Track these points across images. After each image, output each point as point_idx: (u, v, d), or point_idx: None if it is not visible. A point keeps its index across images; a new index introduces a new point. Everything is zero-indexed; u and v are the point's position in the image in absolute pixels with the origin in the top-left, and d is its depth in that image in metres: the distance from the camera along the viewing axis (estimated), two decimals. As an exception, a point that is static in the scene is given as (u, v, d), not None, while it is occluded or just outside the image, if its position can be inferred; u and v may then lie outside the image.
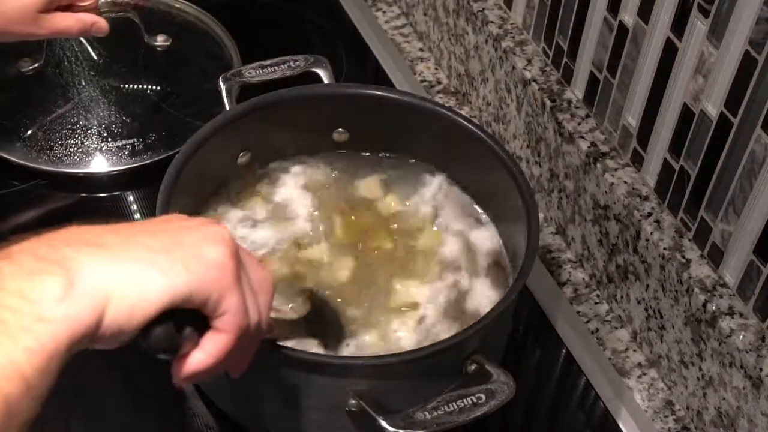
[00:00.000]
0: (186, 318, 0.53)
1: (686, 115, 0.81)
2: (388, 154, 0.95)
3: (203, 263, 0.53)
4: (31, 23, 0.89)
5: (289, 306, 0.81)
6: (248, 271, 0.57)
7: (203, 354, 0.55)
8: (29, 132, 1.03)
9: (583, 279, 0.97)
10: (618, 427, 0.86)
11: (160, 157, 1.00)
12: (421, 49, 1.21)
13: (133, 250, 0.50)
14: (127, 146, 1.02)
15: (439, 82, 1.17)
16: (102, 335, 0.48)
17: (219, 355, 0.55)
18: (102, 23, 0.95)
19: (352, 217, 0.90)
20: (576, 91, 0.97)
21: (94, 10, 0.95)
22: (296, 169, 0.94)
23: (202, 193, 0.89)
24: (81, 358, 0.49)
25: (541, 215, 1.01)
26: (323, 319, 0.81)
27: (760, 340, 0.77)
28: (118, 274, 0.48)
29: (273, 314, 0.65)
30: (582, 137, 0.93)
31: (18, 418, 0.43)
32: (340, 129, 0.94)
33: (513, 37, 1.02)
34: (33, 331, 0.43)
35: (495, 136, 1.01)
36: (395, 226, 0.89)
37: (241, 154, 0.91)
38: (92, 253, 0.48)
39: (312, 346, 0.79)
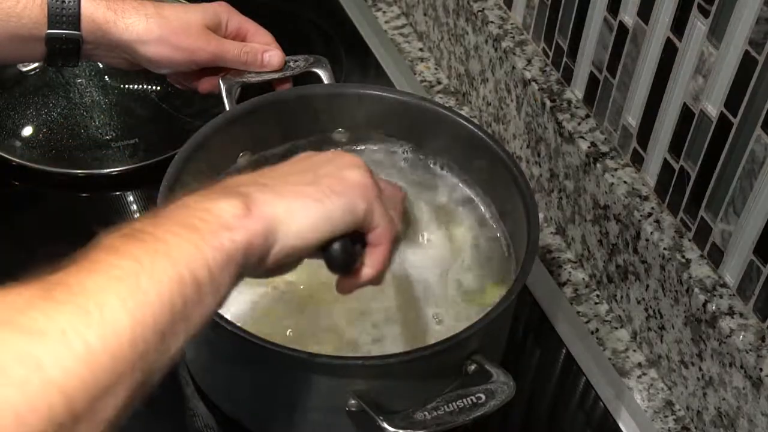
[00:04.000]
0: (351, 237, 0.61)
1: (686, 115, 0.81)
2: (386, 155, 0.95)
3: (348, 185, 0.60)
4: (197, 36, 0.88)
5: None
6: (382, 188, 0.64)
7: (370, 269, 0.64)
8: (29, 132, 1.03)
9: (583, 279, 0.97)
10: (618, 427, 0.86)
11: (160, 157, 1.00)
12: (421, 49, 1.21)
13: (289, 187, 0.58)
14: (127, 146, 1.02)
15: (439, 82, 1.17)
16: (276, 257, 0.56)
17: (381, 267, 0.64)
18: (276, 54, 0.92)
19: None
20: (576, 91, 0.97)
21: (287, 81, 0.94)
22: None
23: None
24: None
25: (541, 215, 1.01)
26: None
27: (760, 340, 0.77)
28: (282, 206, 0.56)
29: None
30: (582, 137, 0.93)
31: (201, 308, 0.50)
32: (340, 129, 0.94)
33: (513, 37, 1.02)
34: (218, 235, 0.52)
35: (495, 136, 1.01)
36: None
37: (241, 154, 0.91)
38: (261, 190, 0.57)
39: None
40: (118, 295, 0.46)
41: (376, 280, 0.66)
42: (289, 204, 0.57)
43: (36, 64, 1.08)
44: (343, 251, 0.61)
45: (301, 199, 0.58)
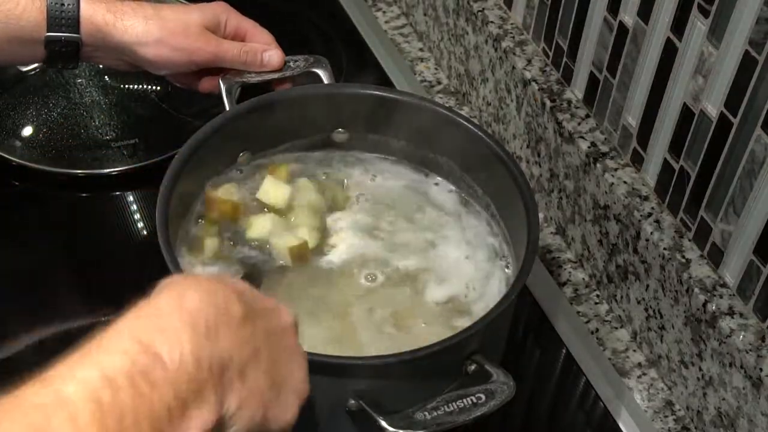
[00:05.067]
0: None
1: (686, 115, 0.81)
2: (386, 155, 0.95)
3: (289, 415, 0.58)
4: (196, 36, 0.87)
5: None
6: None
7: None
8: (29, 132, 1.03)
9: (583, 279, 0.97)
10: (618, 427, 0.86)
11: (160, 157, 1.00)
12: (421, 49, 1.21)
13: (259, 383, 0.55)
14: (127, 146, 1.02)
15: (439, 82, 1.17)
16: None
17: None
18: (275, 54, 0.92)
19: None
20: (576, 91, 0.97)
21: (287, 81, 0.93)
22: (296, 169, 0.94)
23: (202, 193, 0.89)
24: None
25: (541, 215, 1.01)
26: None
27: (760, 340, 0.77)
28: (244, 406, 0.53)
29: None
30: (582, 137, 0.93)
31: None
32: (340, 129, 0.94)
33: (513, 37, 1.02)
34: None
35: (495, 136, 1.01)
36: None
37: (241, 154, 0.91)
38: (235, 389, 0.53)
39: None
40: None
41: None
42: (249, 405, 0.54)
43: (37, 64, 1.08)
44: None
45: (258, 405, 0.55)
